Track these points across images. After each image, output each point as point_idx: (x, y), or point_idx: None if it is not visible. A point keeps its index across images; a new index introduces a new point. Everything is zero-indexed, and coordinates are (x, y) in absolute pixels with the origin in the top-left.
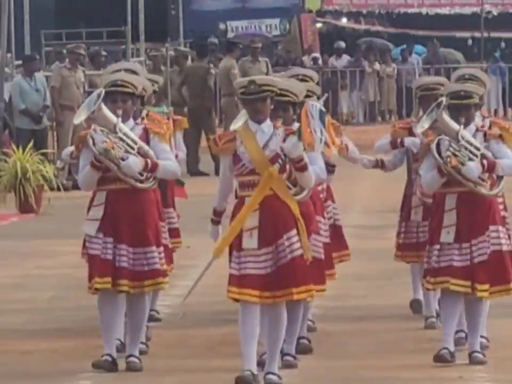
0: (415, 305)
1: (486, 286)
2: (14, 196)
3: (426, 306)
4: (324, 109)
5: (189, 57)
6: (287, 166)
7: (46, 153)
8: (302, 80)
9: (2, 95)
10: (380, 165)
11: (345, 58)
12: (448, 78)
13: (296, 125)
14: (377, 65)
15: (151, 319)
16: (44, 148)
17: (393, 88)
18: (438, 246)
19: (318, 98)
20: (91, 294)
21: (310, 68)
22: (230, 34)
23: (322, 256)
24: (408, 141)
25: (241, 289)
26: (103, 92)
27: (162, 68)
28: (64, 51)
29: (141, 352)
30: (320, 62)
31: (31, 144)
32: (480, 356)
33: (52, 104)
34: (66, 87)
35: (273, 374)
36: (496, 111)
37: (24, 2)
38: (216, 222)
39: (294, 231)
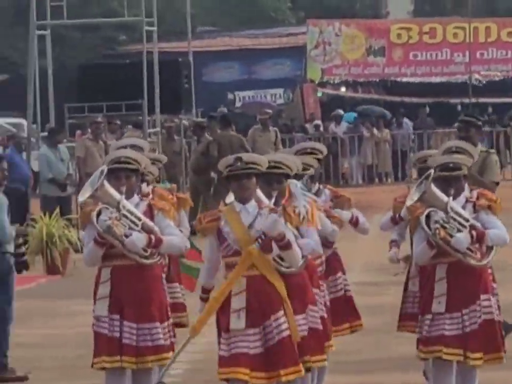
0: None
1: (479, 355)
2: (41, 258)
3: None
4: (304, 187)
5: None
6: (273, 245)
7: (70, 219)
8: (310, 153)
9: (29, 164)
10: (398, 247)
11: (344, 124)
12: None
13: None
14: (374, 131)
15: None
16: (69, 213)
17: (388, 152)
18: (429, 316)
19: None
20: (96, 369)
21: (312, 134)
22: (238, 104)
23: (320, 327)
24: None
25: (231, 368)
26: (106, 169)
27: (176, 137)
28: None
29: None
30: (321, 128)
31: (57, 210)
32: None
33: (77, 173)
34: (90, 156)
35: None
36: None
37: (49, 77)
38: (205, 299)
39: (281, 312)
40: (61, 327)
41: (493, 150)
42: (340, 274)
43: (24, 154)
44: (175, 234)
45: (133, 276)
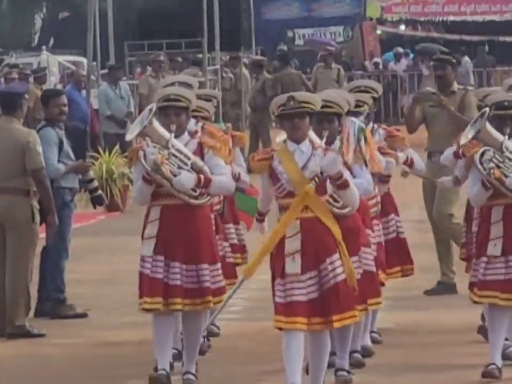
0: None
1: None
2: None
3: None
4: (363, 126)
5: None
6: (328, 187)
7: None
8: (365, 91)
9: (89, 102)
10: (456, 181)
11: (404, 62)
12: None
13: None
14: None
15: (211, 334)
16: None
17: None
18: (485, 259)
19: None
20: (140, 312)
21: (371, 72)
22: (298, 41)
23: (374, 269)
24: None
25: (288, 317)
26: (155, 107)
27: (224, 74)
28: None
29: None
30: (380, 66)
31: (116, 147)
32: None
33: (139, 110)
34: (153, 93)
35: None
36: None
37: (109, 17)
38: (260, 220)
39: (337, 255)
40: (121, 263)
41: (471, 88)
42: (392, 216)
43: (83, 92)
44: (224, 174)
45: (182, 216)
